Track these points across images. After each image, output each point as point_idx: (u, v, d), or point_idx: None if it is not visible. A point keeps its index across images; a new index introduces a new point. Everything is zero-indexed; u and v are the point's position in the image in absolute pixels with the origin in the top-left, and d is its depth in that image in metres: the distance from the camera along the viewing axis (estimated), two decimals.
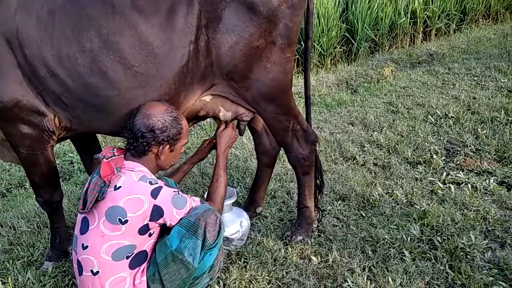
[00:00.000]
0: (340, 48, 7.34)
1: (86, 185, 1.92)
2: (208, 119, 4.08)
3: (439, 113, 4.37)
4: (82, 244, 1.89)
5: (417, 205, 2.88)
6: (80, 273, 1.91)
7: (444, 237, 2.55)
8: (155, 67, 2.02)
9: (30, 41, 1.97)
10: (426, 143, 3.78)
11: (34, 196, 2.48)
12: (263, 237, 2.65)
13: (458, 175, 3.23)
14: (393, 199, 3.00)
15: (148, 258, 1.94)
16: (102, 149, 2.71)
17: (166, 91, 2.09)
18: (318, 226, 2.70)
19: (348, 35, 7.36)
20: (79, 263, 1.91)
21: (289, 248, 2.53)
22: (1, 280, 2.41)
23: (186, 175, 2.55)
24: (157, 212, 1.86)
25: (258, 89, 2.22)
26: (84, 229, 1.90)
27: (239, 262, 2.44)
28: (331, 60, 7.25)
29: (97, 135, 2.73)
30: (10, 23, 1.97)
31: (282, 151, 2.77)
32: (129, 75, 2.00)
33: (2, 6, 1.98)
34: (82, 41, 1.95)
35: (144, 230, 1.87)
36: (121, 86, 2.02)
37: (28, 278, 2.41)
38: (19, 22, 1.97)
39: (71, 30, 1.95)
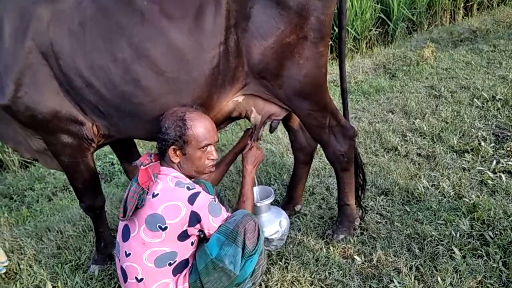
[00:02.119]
0: (375, 30, 7.08)
1: (126, 193, 1.94)
2: None
3: (485, 95, 4.11)
4: (125, 252, 1.92)
5: (465, 197, 2.73)
6: (125, 280, 1.95)
7: (496, 232, 2.40)
8: (186, 72, 2.00)
9: (64, 53, 2.00)
10: (473, 129, 3.57)
11: (78, 201, 2.55)
12: (304, 236, 2.60)
13: (510, 162, 3.03)
14: (439, 192, 2.85)
15: (189, 266, 1.94)
16: (140, 153, 2.76)
17: (199, 94, 2.06)
18: (360, 224, 2.61)
19: (383, 16, 7.08)
20: (123, 270, 1.94)
21: (331, 248, 2.46)
22: (52, 284, 2.51)
23: (229, 167, 2.52)
24: (195, 218, 1.85)
25: (292, 86, 2.16)
26: (126, 236, 1.93)
27: (280, 263, 2.40)
28: (366, 43, 7.02)
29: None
30: (44, 36, 2.00)
31: (319, 145, 2.69)
32: (161, 81, 1.99)
33: (35, 19, 2.01)
34: (113, 51, 1.95)
35: (183, 236, 1.87)
36: (154, 93, 2.01)
37: (77, 281, 2.49)
38: (53, 35, 2.00)
39: (102, 40, 1.96)
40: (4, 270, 2.63)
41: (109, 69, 1.97)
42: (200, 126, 1.95)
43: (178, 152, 1.95)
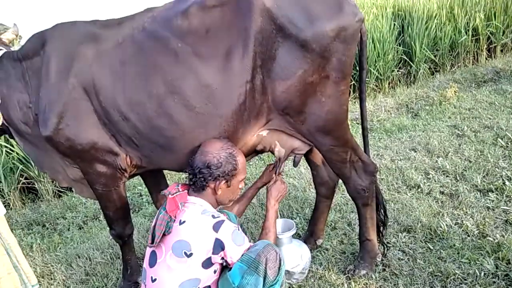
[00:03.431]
0: (398, 71, 7.19)
1: (154, 220, 2.05)
2: None
3: (509, 135, 4.11)
4: (151, 277, 2.00)
5: (490, 236, 2.71)
6: None
7: None
8: (214, 107, 2.13)
9: (104, 89, 2.18)
10: (497, 169, 3.56)
11: (108, 228, 2.67)
12: (325, 270, 2.62)
13: None
14: (463, 230, 2.84)
15: None
16: (168, 183, 2.89)
17: (225, 128, 2.19)
18: (382, 260, 2.62)
19: (405, 58, 7.21)
20: None
21: (353, 283, 2.47)
22: None
23: (250, 201, 2.61)
24: (219, 245, 1.92)
25: (314, 123, 2.25)
26: (153, 262, 2.01)
27: None
28: (389, 83, 7.13)
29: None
30: (86, 74, 2.20)
31: (341, 181, 2.76)
32: (192, 116, 2.13)
33: (79, 59, 2.21)
34: (149, 88, 2.12)
35: (207, 263, 1.94)
36: (184, 127, 2.15)
37: None
38: (95, 73, 2.19)
39: (140, 78, 2.13)
40: None
41: (144, 104, 2.13)
42: (243, 161, 2.14)
43: (223, 184, 2.07)
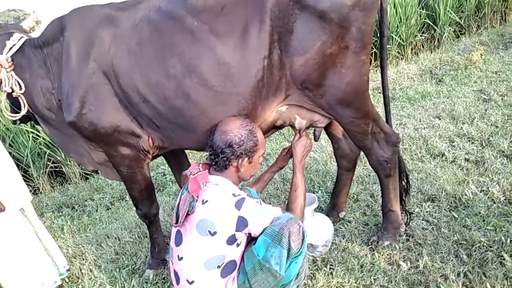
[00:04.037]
0: (421, 36, 6.95)
1: (177, 200, 2.09)
2: None
3: None
4: (178, 256, 2.06)
5: None
6: (178, 283, 2.08)
7: None
8: (233, 85, 2.13)
9: (123, 71, 2.20)
10: None
11: (134, 208, 2.75)
12: (348, 242, 2.64)
13: None
14: (488, 197, 2.79)
15: (237, 267, 2.05)
16: (190, 161, 2.93)
17: (244, 106, 2.18)
18: (406, 230, 2.61)
19: (429, 22, 6.95)
20: (176, 273, 2.08)
21: (376, 254, 2.48)
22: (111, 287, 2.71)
23: (267, 184, 2.63)
24: (242, 223, 1.95)
25: (334, 95, 2.22)
26: (178, 241, 2.07)
27: (325, 268, 2.46)
28: (411, 49, 6.91)
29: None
30: (105, 57, 2.21)
31: (363, 153, 2.73)
32: (210, 95, 2.13)
33: (98, 43, 2.23)
34: (167, 68, 2.12)
35: (231, 240, 1.98)
36: (203, 106, 2.16)
37: (133, 285, 2.67)
38: (113, 56, 2.20)
39: (157, 58, 2.14)
40: (67, 274, 2.85)
41: (163, 85, 2.14)
42: (262, 136, 2.15)
43: (246, 161, 2.09)
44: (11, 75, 2.41)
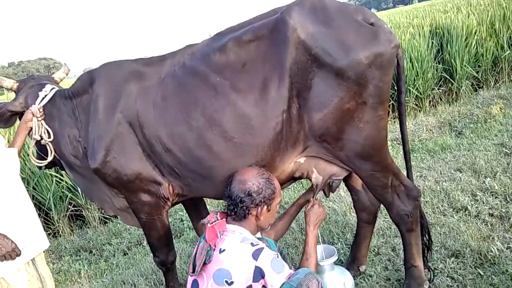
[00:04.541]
0: (438, 89, 7.02)
1: (195, 249, 2.08)
2: None
3: None
4: None
5: None
6: None
7: None
8: (252, 137, 2.18)
9: (148, 123, 2.29)
10: None
11: (151, 254, 2.74)
12: None
13: None
14: None
15: None
16: (209, 208, 2.94)
17: (263, 157, 2.22)
18: (430, 287, 2.52)
19: (446, 75, 7.04)
20: None
21: None
22: None
23: (293, 219, 2.61)
24: (259, 273, 1.93)
25: (352, 149, 2.24)
26: None
27: None
28: (429, 102, 6.96)
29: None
30: (132, 109, 2.32)
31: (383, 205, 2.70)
32: (230, 147, 2.19)
33: (125, 96, 2.35)
34: (190, 121, 2.20)
35: None
36: (223, 157, 2.21)
37: None
38: (139, 108, 2.31)
39: (181, 112, 2.23)
40: None
41: (186, 137, 2.22)
42: (278, 184, 2.18)
43: (265, 209, 2.10)
44: (42, 123, 2.55)
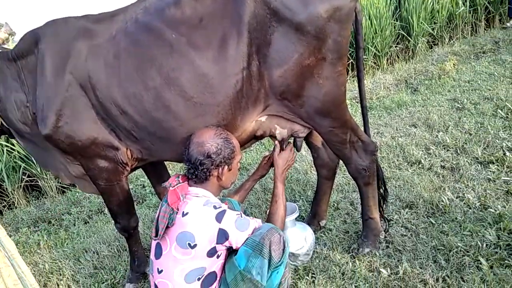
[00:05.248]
0: (395, 46, 7.13)
1: (157, 213, 2.06)
2: None
3: (509, 105, 4.10)
4: (157, 268, 2.03)
5: (491, 208, 2.73)
6: None
7: None
8: (212, 96, 2.13)
9: (100, 84, 2.18)
10: (497, 140, 3.56)
11: (113, 222, 2.70)
12: (329, 250, 2.66)
13: None
14: (464, 203, 2.86)
15: (218, 279, 2.03)
16: (170, 173, 2.90)
17: (224, 116, 2.19)
18: (385, 237, 2.65)
19: (403, 33, 7.14)
20: (156, 286, 2.05)
21: (357, 261, 2.51)
22: None
23: (249, 192, 2.63)
24: (223, 235, 1.94)
25: (312, 106, 2.25)
26: (158, 254, 2.04)
27: (307, 277, 2.46)
28: (387, 60, 7.08)
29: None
30: (82, 69, 2.19)
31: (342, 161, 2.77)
32: (189, 106, 2.13)
33: (74, 55, 2.21)
34: (145, 80, 2.11)
35: (212, 252, 1.97)
36: (183, 117, 2.15)
37: None
38: (90, 68, 2.18)
39: (135, 70, 2.13)
40: None
41: (142, 97, 2.13)
42: (237, 142, 2.16)
43: (226, 169, 2.09)
44: None
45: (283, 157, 2.37)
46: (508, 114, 3.99)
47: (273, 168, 2.42)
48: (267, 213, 2.29)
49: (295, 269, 2.54)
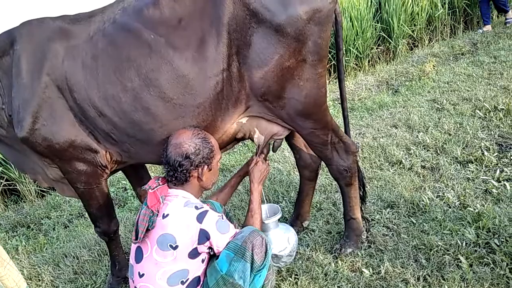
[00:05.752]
0: (377, 48, 7.22)
1: (137, 216, 2.03)
2: None
3: (487, 106, 4.18)
4: (139, 273, 2.00)
5: (470, 207, 2.77)
6: None
7: (502, 239, 2.44)
8: (192, 97, 2.11)
9: (78, 85, 2.14)
10: (476, 140, 3.63)
11: (93, 226, 2.65)
12: (312, 251, 2.66)
13: None
14: (444, 202, 2.90)
15: (201, 283, 2.01)
16: (152, 175, 2.87)
17: (204, 118, 2.17)
18: (367, 237, 2.67)
19: (384, 35, 7.24)
20: None
21: (340, 262, 2.52)
22: None
23: (235, 189, 2.61)
24: (204, 236, 1.93)
25: (293, 107, 2.25)
26: (139, 258, 2.01)
27: (290, 278, 2.46)
28: (368, 61, 7.16)
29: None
30: (59, 71, 2.15)
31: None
32: (169, 108, 2.11)
33: (50, 56, 2.16)
34: (124, 81, 2.08)
35: (194, 254, 1.95)
36: (162, 119, 2.13)
37: None
38: (67, 70, 2.14)
39: (113, 72, 2.09)
40: None
41: (120, 99, 2.10)
42: (215, 141, 2.15)
43: (206, 169, 2.07)
44: None
45: (257, 169, 2.35)
46: (486, 115, 4.07)
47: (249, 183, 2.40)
48: (242, 226, 2.23)
49: (278, 270, 2.54)
